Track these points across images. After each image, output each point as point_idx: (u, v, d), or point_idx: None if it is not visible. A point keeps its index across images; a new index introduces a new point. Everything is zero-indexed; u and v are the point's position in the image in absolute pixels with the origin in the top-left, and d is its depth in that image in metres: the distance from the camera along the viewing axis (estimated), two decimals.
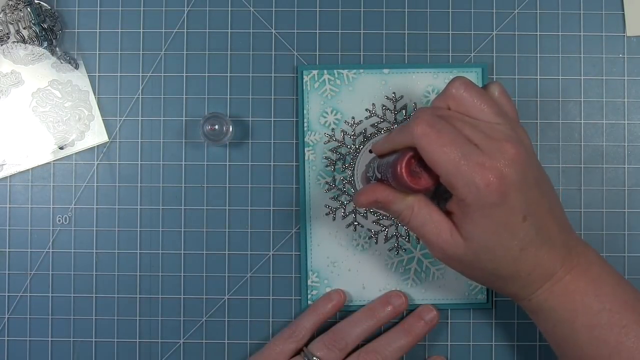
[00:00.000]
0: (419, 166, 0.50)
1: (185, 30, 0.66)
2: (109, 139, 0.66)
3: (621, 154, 0.65)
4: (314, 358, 0.62)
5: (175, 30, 0.66)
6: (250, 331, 0.66)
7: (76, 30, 0.66)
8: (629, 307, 0.52)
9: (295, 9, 0.66)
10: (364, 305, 0.64)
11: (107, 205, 0.66)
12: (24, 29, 0.65)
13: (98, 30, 0.66)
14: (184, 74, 0.66)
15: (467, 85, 0.51)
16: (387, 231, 0.65)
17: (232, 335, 0.66)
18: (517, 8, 0.66)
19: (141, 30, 0.66)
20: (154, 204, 0.66)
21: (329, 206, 0.65)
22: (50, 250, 0.66)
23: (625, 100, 0.66)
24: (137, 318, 0.66)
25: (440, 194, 0.54)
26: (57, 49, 0.65)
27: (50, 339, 0.66)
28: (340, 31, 0.66)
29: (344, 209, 0.65)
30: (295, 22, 0.66)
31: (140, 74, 0.66)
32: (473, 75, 0.65)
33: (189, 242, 0.66)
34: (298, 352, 0.63)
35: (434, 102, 0.53)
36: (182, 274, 0.66)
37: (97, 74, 0.66)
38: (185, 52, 0.66)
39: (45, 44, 0.65)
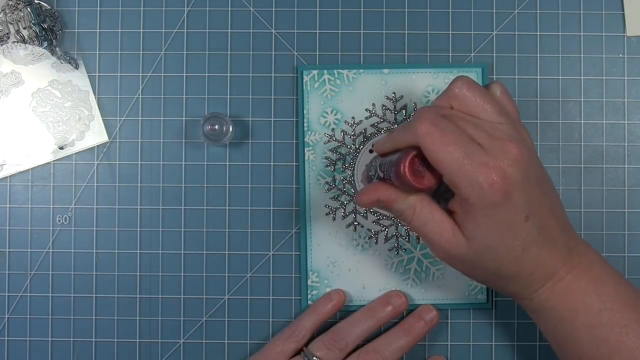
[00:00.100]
0: (422, 165, 0.50)
1: (185, 30, 0.66)
2: (109, 139, 0.66)
3: (621, 154, 0.65)
4: (314, 358, 0.62)
5: (175, 30, 0.66)
6: (250, 331, 0.66)
7: (76, 30, 0.66)
8: (629, 306, 0.52)
9: (295, 9, 0.66)
10: (364, 305, 0.64)
11: (107, 205, 0.66)
12: (24, 29, 0.65)
13: (98, 30, 0.66)
14: (184, 74, 0.66)
15: (470, 84, 0.51)
16: (387, 231, 0.65)
17: (232, 335, 0.66)
18: (517, 8, 0.66)
19: (141, 30, 0.66)
20: (154, 204, 0.66)
21: (329, 206, 0.65)
22: (50, 250, 0.66)
23: (625, 100, 0.66)
24: (137, 318, 0.66)
25: (441, 193, 0.54)
26: (57, 49, 0.65)
27: (50, 339, 0.66)
28: (340, 31, 0.66)
29: (344, 209, 0.65)
30: (295, 22, 0.66)
31: (140, 74, 0.66)
32: (473, 76, 0.65)
33: (189, 242, 0.66)
34: (298, 352, 0.63)
35: (436, 102, 0.53)
36: (182, 274, 0.66)
37: (97, 74, 0.66)
38: (185, 52, 0.66)
39: (45, 44, 0.65)
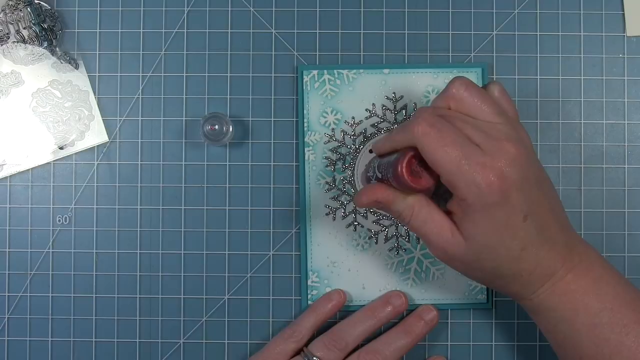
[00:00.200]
0: (420, 166, 0.51)
1: (185, 30, 0.66)
2: (109, 139, 0.66)
3: (621, 154, 0.65)
4: (314, 358, 0.62)
5: (175, 30, 0.66)
6: (250, 331, 0.66)
7: (76, 30, 0.66)
8: (629, 306, 0.52)
9: (295, 9, 0.66)
10: (364, 305, 0.64)
11: (107, 205, 0.66)
12: (24, 29, 0.65)
13: (98, 30, 0.66)
14: (184, 74, 0.66)
15: (468, 85, 0.51)
16: (387, 231, 0.65)
17: (232, 335, 0.66)
18: (517, 8, 0.66)
19: (141, 30, 0.66)
20: (154, 204, 0.66)
21: (329, 206, 0.65)
22: (50, 250, 0.66)
23: (625, 100, 0.66)
24: (137, 318, 0.66)
25: (440, 194, 0.54)
26: (57, 49, 0.65)
27: (50, 339, 0.66)
28: (340, 31, 0.66)
29: (344, 209, 0.65)
30: (295, 22, 0.66)
31: (140, 74, 0.66)
32: (473, 75, 0.65)
33: (189, 242, 0.66)
34: (298, 352, 0.63)
35: (434, 102, 0.53)
36: (182, 274, 0.66)
37: (97, 74, 0.66)
38: (185, 52, 0.66)
39: (45, 44, 0.65)
